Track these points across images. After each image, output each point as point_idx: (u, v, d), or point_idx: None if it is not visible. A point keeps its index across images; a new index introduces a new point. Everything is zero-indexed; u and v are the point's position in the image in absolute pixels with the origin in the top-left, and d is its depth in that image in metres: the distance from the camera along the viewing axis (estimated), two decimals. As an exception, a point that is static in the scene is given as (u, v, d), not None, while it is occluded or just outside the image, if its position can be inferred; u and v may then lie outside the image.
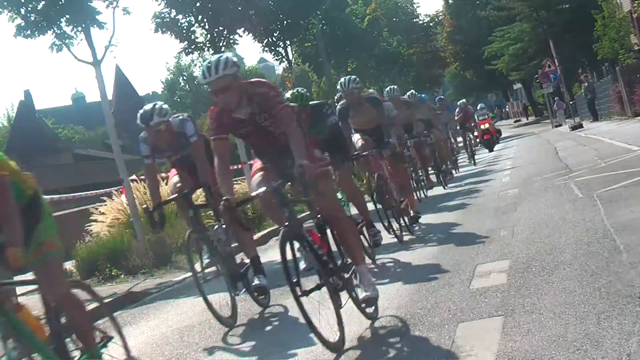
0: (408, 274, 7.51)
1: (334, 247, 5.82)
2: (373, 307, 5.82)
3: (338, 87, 10.05)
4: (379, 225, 9.35)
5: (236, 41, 19.67)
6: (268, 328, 6.65)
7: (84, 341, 5.11)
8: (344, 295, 5.48)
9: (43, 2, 12.93)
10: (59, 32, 13.09)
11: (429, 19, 76.74)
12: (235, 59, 5.54)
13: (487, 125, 31.32)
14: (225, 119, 5.60)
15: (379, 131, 10.11)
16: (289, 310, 7.13)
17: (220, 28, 18.99)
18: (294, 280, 5.15)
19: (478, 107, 32.96)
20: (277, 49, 24.41)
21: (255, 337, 6.40)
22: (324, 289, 5.33)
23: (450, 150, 22.32)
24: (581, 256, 6.40)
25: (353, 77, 10.02)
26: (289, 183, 5.72)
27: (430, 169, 17.97)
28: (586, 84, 38.38)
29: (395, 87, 14.16)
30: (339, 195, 8.47)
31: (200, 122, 60.58)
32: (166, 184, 14.65)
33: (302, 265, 5.53)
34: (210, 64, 5.45)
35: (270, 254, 12.40)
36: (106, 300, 9.59)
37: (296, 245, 5.36)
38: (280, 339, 6.14)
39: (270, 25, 23.29)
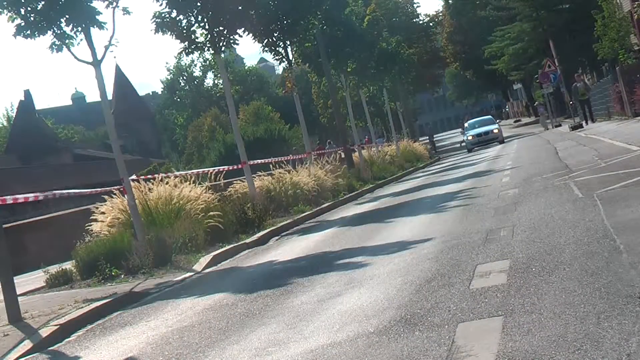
0: (408, 274, 7.50)
1: None
2: None
3: None
4: None
5: (236, 41, 19.62)
6: (267, 328, 6.64)
7: None
8: None
9: (43, 2, 12.90)
10: (58, 32, 13.06)
11: (428, 19, 76.95)
12: None
13: None
14: None
15: None
16: (288, 310, 7.13)
17: (220, 28, 18.98)
18: None
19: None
20: (277, 49, 24.37)
21: (254, 337, 6.40)
22: None
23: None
24: (581, 256, 6.39)
25: None
26: None
27: None
28: (582, 83, 37.81)
29: None
30: None
31: (200, 122, 60.69)
32: (165, 183, 14.67)
33: None
34: None
35: (270, 254, 12.41)
36: (103, 302, 9.54)
37: None
38: (279, 338, 6.13)
39: (270, 25, 23.28)
